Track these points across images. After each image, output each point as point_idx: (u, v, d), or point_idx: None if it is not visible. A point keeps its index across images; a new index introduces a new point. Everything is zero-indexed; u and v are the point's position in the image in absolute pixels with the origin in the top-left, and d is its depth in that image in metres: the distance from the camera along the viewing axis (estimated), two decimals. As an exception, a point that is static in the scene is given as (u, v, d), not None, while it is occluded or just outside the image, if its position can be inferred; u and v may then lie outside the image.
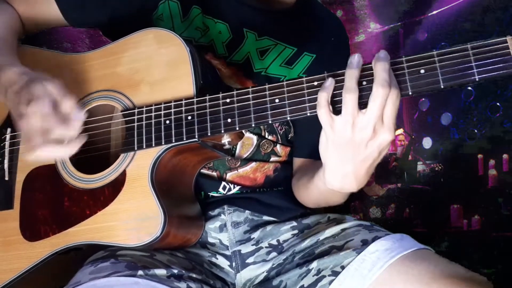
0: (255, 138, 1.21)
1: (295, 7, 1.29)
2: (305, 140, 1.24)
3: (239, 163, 1.20)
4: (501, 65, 0.81)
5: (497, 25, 1.69)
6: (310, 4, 1.33)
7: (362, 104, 0.85)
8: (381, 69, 0.82)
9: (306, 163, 1.25)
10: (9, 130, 1.14)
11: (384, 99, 0.82)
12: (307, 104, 0.90)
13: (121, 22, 1.19)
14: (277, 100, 0.92)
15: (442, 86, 0.84)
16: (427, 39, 1.94)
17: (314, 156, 1.22)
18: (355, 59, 0.85)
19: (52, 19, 1.24)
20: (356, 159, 0.87)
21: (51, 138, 0.91)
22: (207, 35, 1.21)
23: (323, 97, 0.85)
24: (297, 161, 1.27)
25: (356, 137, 0.84)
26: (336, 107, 0.87)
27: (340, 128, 0.84)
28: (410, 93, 0.85)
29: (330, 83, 0.86)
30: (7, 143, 1.13)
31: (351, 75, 0.84)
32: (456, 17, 1.80)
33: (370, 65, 0.86)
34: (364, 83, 0.86)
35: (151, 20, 1.21)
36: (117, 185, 1.02)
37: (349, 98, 0.83)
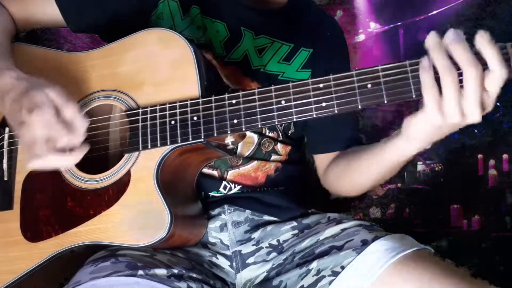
0: (256, 137, 1.21)
1: (288, 6, 1.31)
2: (335, 134, 1.24)
3: (240, 161, 1.21)
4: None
5: (497, 25, 1.69)
6: (303, 3, 1.35)
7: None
8: (463, 49, 0.80)
9: (340, 155, 1.24)
10: (7, 129, 1.12)
11: (479, 77, 0.79)
12: (312, 106, 0.92)
13: (120, 22, 1.19)
14: (283, 102, 0.93)
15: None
16: (427, 39, 1.93)
17: (351, 145, 1.22)
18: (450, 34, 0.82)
19: (47, 19, 1.22)
20: (446, 133, 0.89)
21: (55, 147, 0.90)
22: (205, 35, 1.22)
23: (429, 77, 0.82)
24: (329, 156, 1.26)
25: (458, 119, 0.82)
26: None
27: (449, 109, 0.82)
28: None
29: (428, 62, 0.83)
30: (5, 143, 1.12)
31: (440, 53, 0.82)
32: (456, 17, 1.80)
33: (375, 68, 0.87)
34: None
35: (150, 20, 1.21)
36: (122, 185, 1.02)
37: (451, 78, 0.80)
